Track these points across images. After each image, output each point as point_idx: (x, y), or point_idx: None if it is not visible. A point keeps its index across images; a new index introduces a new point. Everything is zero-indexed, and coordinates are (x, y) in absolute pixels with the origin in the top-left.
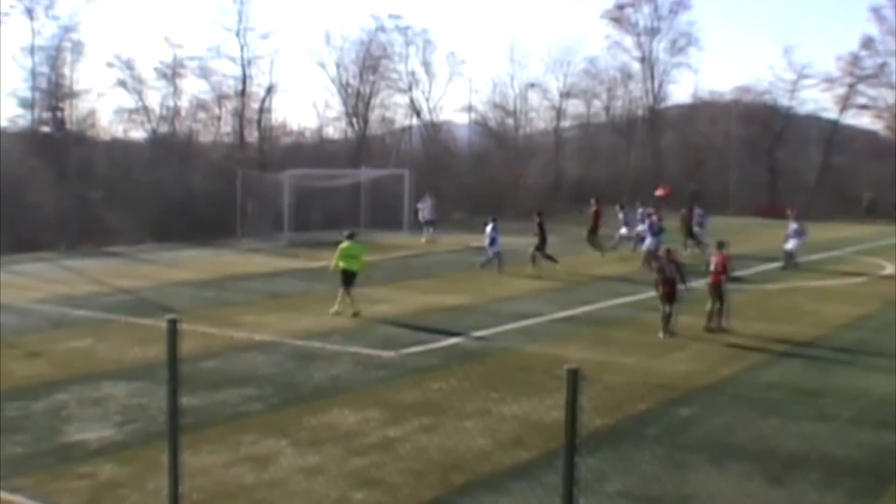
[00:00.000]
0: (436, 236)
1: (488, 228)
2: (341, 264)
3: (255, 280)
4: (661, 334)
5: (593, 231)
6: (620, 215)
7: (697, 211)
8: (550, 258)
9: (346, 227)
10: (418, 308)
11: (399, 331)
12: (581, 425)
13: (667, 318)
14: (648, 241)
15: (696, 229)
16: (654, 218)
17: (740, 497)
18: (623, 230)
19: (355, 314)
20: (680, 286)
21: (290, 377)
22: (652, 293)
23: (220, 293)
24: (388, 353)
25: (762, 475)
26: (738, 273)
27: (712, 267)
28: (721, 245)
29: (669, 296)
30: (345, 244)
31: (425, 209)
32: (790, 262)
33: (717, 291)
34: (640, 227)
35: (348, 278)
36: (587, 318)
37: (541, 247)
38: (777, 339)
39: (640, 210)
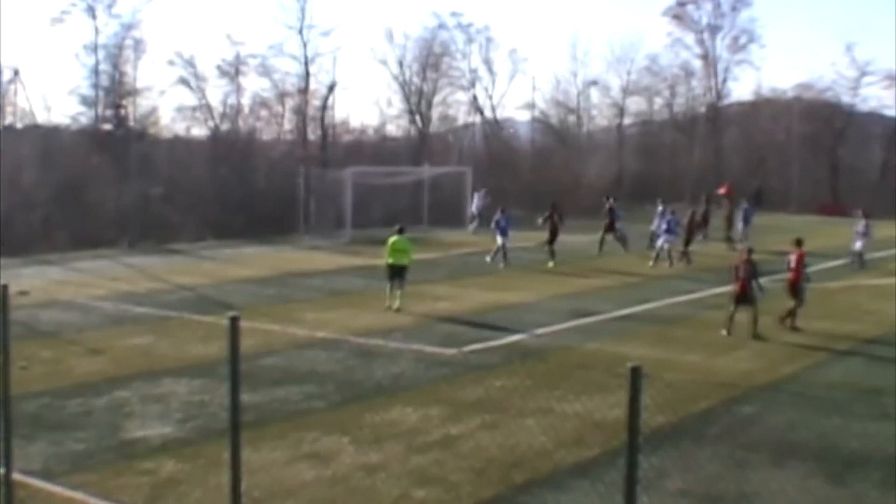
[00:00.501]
0: (478, 233)
1: (496, 216)
2: (390, 260)
3: (316, 277)
4: (723, 332)
5: (609, 229)
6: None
7: (745, 206)
8: (552, 254)
9: (408, 225)
10: (479, 305)
11: (460, 328)
12: (643, 423)
13: (731, 318)
14: (663, 238)
15: (740, 225)
16: (677, 216)
17: (801, 496)
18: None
19: (397, 310)
20: (755, 284)
21: (351, 374)
22: (711, 291)
23: (281, 290)
24: (449, 351)
25: (824, 474)
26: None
27: (792, 264)
28: (799, 242)
29: (741, 297)
30: (393, 239)
31: (476, 203)
32: (858, 261)
33: (794, 289)
34: (658, 225)
35: (396, 272)
36: (647, 316)
37: (551, 240)
38: (839, 337)
39: (659, 208)
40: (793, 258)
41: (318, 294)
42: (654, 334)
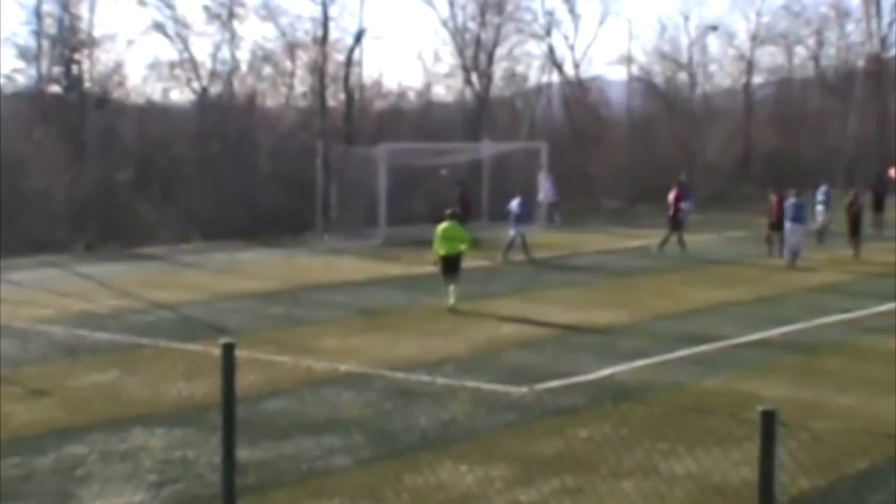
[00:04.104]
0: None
1: (514, 203)
2: (441, 250)
3: (340, 291)
4: None
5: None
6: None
7: None
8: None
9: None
10: (559, 328)
11: (533, 359)
12: (780, 489)
13: None
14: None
15: None
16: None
17: None
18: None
19: (451, 308)
20: None
21: (386, 422)
22: (873, 309)
23: (293, 309)
24: (518, 390)
25: None
26: None
27: None
28: None
29: None
30: (443, 225)
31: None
32: None
33: None
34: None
35: (450, 265)
36: (786, 343)
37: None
38: None
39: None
40: None
41: (341, 314)
42: (796, 367)
